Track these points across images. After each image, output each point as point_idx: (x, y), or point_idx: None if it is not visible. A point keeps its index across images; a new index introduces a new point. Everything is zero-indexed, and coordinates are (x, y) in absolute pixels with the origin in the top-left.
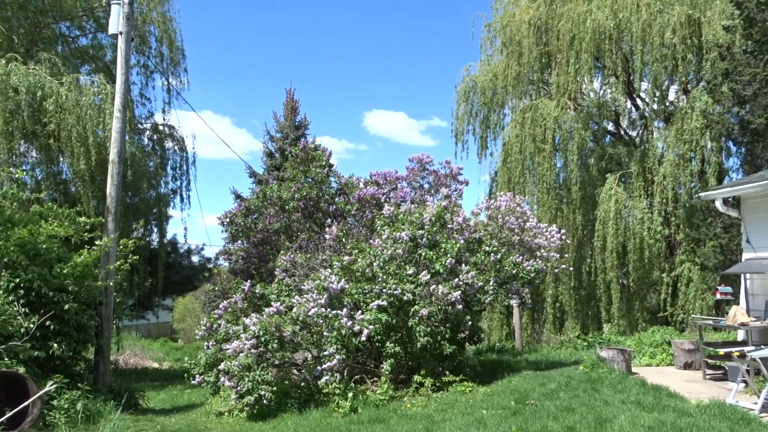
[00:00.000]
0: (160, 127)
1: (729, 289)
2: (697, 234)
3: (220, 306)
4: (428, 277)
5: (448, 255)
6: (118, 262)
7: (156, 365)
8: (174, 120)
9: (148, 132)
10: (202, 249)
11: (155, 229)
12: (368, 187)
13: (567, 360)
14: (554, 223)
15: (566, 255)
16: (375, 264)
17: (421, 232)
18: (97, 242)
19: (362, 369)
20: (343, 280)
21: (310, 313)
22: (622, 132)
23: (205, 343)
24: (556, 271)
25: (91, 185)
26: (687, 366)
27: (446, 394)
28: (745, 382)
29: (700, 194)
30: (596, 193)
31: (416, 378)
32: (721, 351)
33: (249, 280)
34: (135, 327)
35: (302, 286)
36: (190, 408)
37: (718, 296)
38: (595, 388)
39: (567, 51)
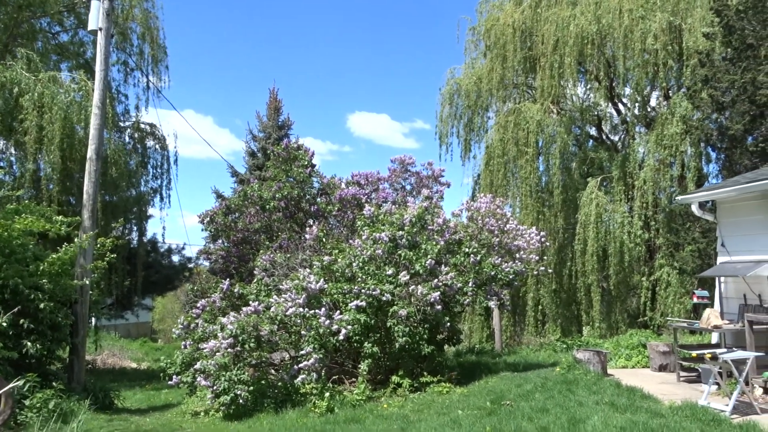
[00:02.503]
0: (142, 125)
1: (705, 293)
2: (676, 238)
3: (198, 305)
4: (407, 277)
5: (428, 256)
6: (95, 261)
7: (134, 365)
8: (155, 118)
9: (129, 130)
10: (183, 249)
11: (135, 228)
12: (350, 188)
13: (545, 362)
14: (536, 227)
15: (546, 258)
16: (354, 264)
17: (401, 232)
18: (75, 240)
19: (341, 369)
20: (321, 280)
21: (288, 313)
22: (604, 137)
23: (183, 343)
24: (536, 273)
25: (69, 183)
26: (662, 368)
27: (423, 394)
28: (717, 384)
29: (677, 198)
30: (578, 197)
31: (394, 378)
32: (694, 353)
33: (228, 280)
34: (114, 327)
35: (281, 286)
36: (166, 408)
37: (695, 300)
38: (571, 390)
39: (551, 55)
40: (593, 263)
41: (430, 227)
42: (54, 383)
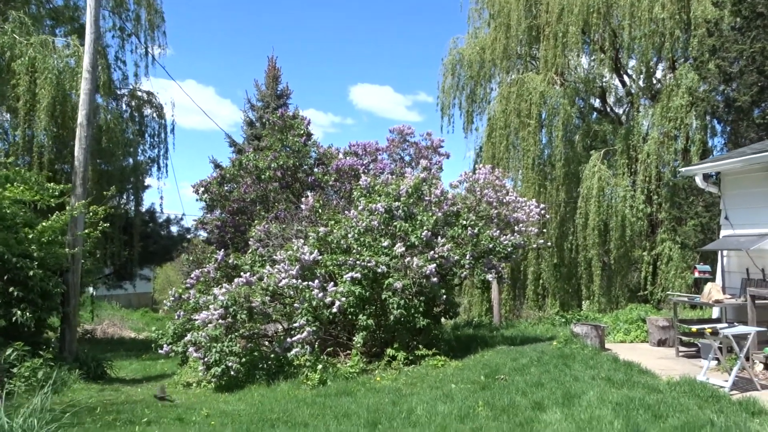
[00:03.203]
0: (139, 93)
1: (707, 267)
2: (679, 212)
3: (192, 276)
4: (403, 249)
5: (424, 227)
6: (88, 229)
7: (134, 335)
8: (154, 87)
9: (126, 98)
10: (182, 219)
11: (132, 198)
12: (347, 158)
13: (543, 336)
14: (538, 200)
15: (545, 231)
16: (350, 235)
17: (397, 203)
18: (67, 208)
19: (335, 342)
20: (316, 251)
21: (280, 284)
22: (608, 109)
23: (176, 313)
24: (535, 246)
25: (65, 151)
26: (661, 343)
27: (418, 367)
28: (717, 359)
29: (680, 169)
30: (580, 170)
31: (389, 351)
32: (694, 328)
33: (222, 250)
34: (115, 297)
35: (275, 257)
36: (160, 378)
37: (697, 274)
38: (567, 364)
39: (555, 24)
40: (594, 237)
41: (427, 198)
42: (42, 352)
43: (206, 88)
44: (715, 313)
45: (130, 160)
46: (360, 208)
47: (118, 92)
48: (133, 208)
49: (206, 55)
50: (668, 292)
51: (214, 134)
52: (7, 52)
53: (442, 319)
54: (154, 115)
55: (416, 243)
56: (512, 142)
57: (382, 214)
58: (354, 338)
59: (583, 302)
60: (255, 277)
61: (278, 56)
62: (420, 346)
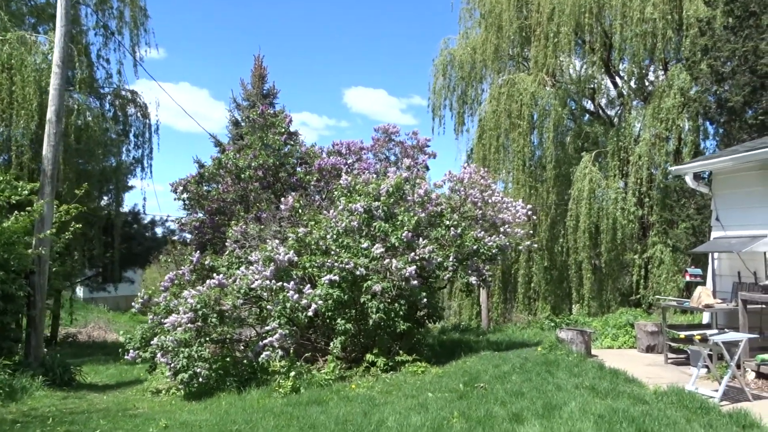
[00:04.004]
0: (123, 93)
1: (698, 271)
2: (670, 215)
3: (167, 278)
4: (382, 250)
5: (405, 228)
6: (51, 230)
7: (119, 338)
8: (143, 88)
9: (109, 97)
10: (166, 221)
11: (113, 199)
12: (330, 157)
13: (530, 340)
14: (528, 202)
15: (536, 234)
16: (328, 236)
17: (377, 203)
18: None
19: (313, 347)
20: (291, 251)
21: (253, 286)
22: (600, 110)
23: (149, 317)
24: (521, 248)
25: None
26: (649, 349)
27: (397, 374)
28: (707, 367)
29: (670, 168)
30: (571, 172)
31: (368, 357)
32: (682, 334)
33: (197, 252)
34: (103, 299)
35: (250, 257)
36: (134, 383)
37: (688, 278)
38: (550, 371)
39: (546, 25)
40: (585, 240)
41: (410, 198)
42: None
43: (200, 91)
44: (706, 318)
45: (113, 160)
46: (340, 208)
47: (102, 91)
48: (114, 209)
49: (200, 58)
50: (657, 296)
51: (205, 136)
52: None
53: (429, 324)
54: (139, 114)
55: (396, 244)
56: (503, 144)
57: (361, 214)
58: (332, 343)
59: (574, 306)
60: (231, 279)
61: (267, 57)
62: (400, 352)
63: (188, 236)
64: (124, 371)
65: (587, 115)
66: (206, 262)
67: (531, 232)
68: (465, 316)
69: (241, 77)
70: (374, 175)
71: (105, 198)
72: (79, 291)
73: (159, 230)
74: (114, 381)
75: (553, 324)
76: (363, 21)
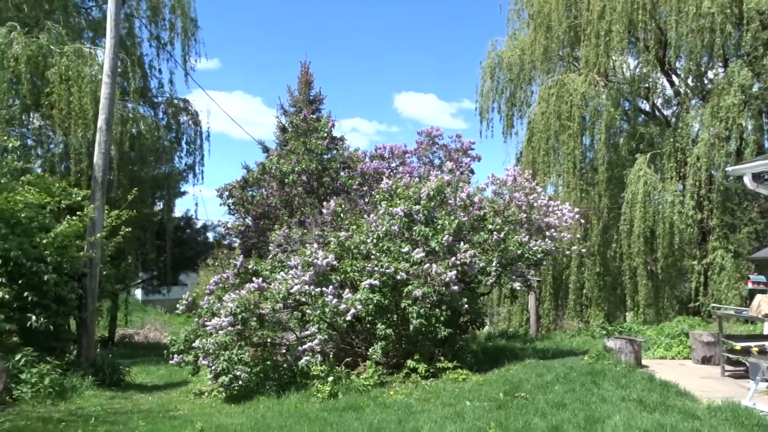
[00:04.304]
0: (175, 101)
1: (762, 278)
2: (731, 219)
3: (212, 281)
4: (422, 254)
5: (445, 232)
6: (101, 233)
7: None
8: (195, 97)
9: (162, 106)
10: (217, 226)
11: (164, 205)
12: (373, 161)
13: (578, 349)
14: (579, 206)
15: (583, 238)
16: (369, 241)
17: (417, 207)
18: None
19: (354, 352)
20: (331, 256)
21: (292, 290)
22: (656, 110)
23: (196, 320)
24: (568, 253)
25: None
26: (705, 360)
27: (437, 381)
28: (767, 380)
29: (727, 168)
30: (624, 175)
31: (409, 363)
32: (738, 345)
33: (242, 256)
34: (160, 302)
35: (289, 262)
36: (180, 385)
37: (750, 285)
38: (596, 382)
39: (597, 23)
40: (640, 245)
41: (450, 201)
42: (49, 359)
43: (254, 99)
44: (767, 328)
45: (164, 168)
46: (380, 212)
47: (155, 100)
48: (165, 215)
49: (253, 67)
50: (713, 305)
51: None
52: (41, 61)
53: (474, 330)
54: (190, 122)
55: (437, 249)
56: (552, 146)
57: (401, 218)
58: (372, 348)
59: (627, 313)
60: (270, 283)
61: (319, 64)
62: (441, 358)
63: (236, 240)
64: (174, 372)
65: (642, 116)
66: (250, 266)
67: (579, 236)
68: (515, 322)
69: (288, 84)
70: (417, 179)
71: (158, 204)
72: (138, 293)
73: (210, 235)
74: (163, 382)
75: (604, 332)
76: (411, 26)
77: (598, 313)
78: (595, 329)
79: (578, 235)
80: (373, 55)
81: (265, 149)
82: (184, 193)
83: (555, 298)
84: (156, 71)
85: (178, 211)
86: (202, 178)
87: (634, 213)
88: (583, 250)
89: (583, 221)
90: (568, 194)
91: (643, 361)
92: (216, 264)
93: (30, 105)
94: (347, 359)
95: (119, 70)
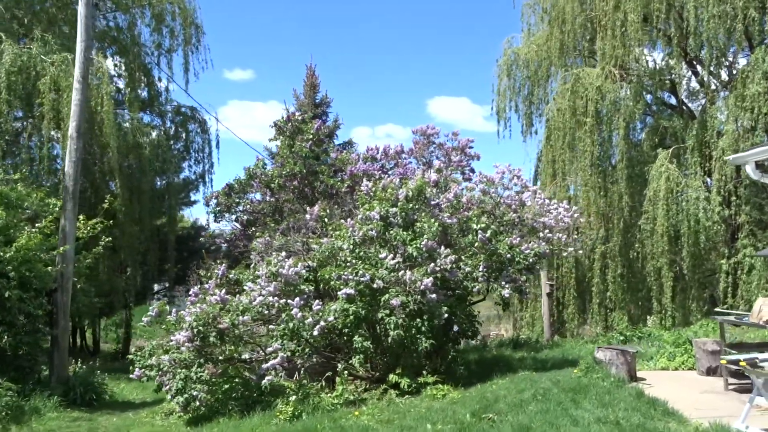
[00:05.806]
0: (182, 109)
1: None
2: (760, 215)
3: (191, 292)
4: (398, 260)
5: (425, 236)
6: (71, 244)
7: None
8: (202, 97)
9: (169, 114)
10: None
11: (177, 214)
12: (366, 163)
13: (582, 358)
14: (598, 205)
15: (612, 239)
16: (345, 246)
17: (394, 209)
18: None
19: (333, 367)
20: (300, 265)
21: (254, 303)
22: (680, 103)
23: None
24: (565, 254)
25: (92, 167)
26: (710, 371)
27: (415, 398)
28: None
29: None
30: (646, 171)
31: (391, 377)
32: (742, 358)
33: (224, 264)
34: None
35: (257, 272)
36: (160, 402)
37: None
38: (575, 400)
39: (612, 14)
40: (663, 245)
41: (434, 202)
42: (6, 379)
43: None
44: None
45: (165, 178)
46: (359, 216)
47: (162, 108)
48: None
49: (285, 76)
50: (716, 309)
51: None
52: (32, 71)
53: (461, 340)
54: (198, 130)
55: (415, 254)
56: (569, 144)
57: (377, 221)
58: (351, 362)
59: (649, 317)
60: (238, 296)
61: (348, 73)
62: (423, 372)
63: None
64: None
65: (667, 110)
66: (231, 276)
67: (577, 236)
68: (537, 328)
69: (293, 87)
70: (409, 180)
71: (164, 214)
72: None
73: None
74: (151, 398)
75: (622, 338)
76: (444, 33)
77: (621, 317)
78: (613, 335)
79: (574, 236)
80: (406, 61)
81: (272, 155)
82: (194, 202)
83: (581, 301)
84: (157, 80)
85: (188, 221)
86: (212, 186)
87: (656, 211)
88: (580, 251)
89: (582, 220)
90: (585, 192)
91: (641, 373)
92: (208, 274)
93: (24, 117)
94: (328, 374)
95: (125, 79)
